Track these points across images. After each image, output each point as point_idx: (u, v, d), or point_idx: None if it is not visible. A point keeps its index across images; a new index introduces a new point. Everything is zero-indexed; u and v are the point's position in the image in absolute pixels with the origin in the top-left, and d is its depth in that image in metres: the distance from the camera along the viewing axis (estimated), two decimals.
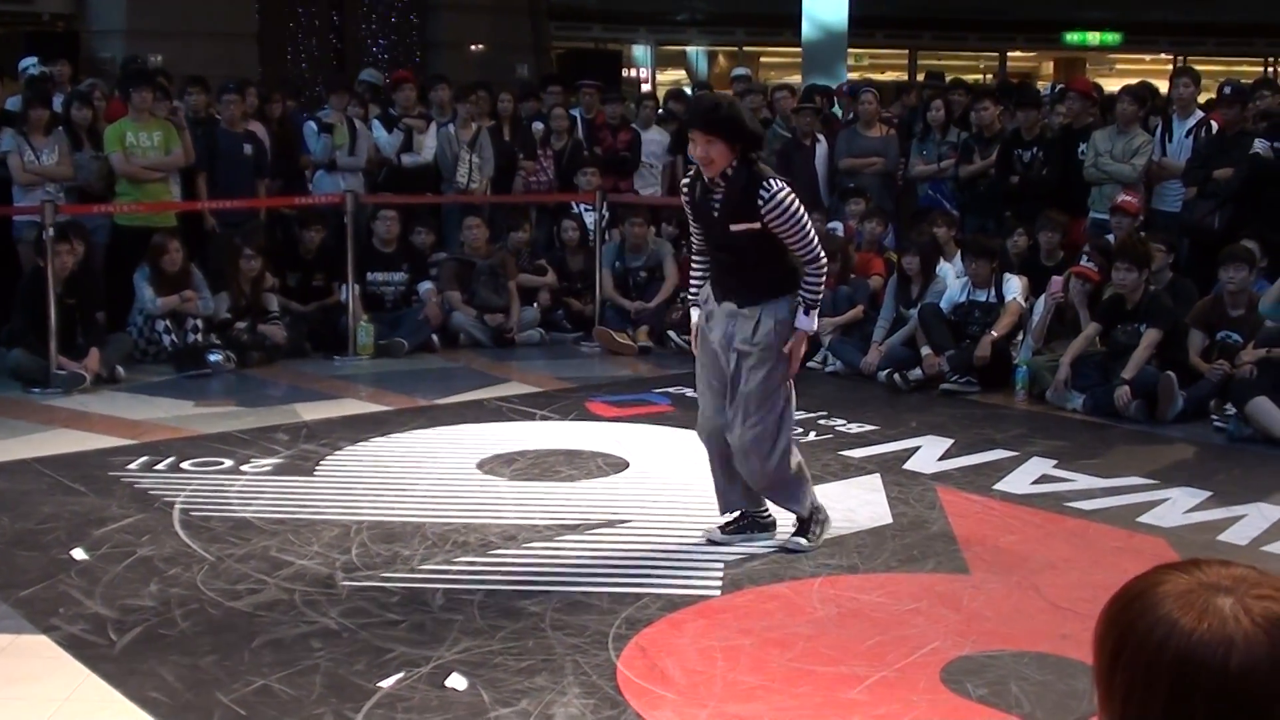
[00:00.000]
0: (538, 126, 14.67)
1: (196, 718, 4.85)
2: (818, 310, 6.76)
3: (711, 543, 6.94)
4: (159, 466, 8.18)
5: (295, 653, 5.41)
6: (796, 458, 6.89)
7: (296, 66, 21.99)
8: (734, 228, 6.54)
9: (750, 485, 6.90)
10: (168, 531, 6.94)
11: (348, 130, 13.42)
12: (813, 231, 6.63)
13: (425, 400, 10.22)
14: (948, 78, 18.71)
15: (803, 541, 6.85)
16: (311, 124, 13.65)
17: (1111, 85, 15.43)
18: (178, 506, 7.36)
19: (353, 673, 5.22)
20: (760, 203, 6.45)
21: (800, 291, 6.62)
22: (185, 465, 8.22)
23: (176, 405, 9.96)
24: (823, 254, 6.63)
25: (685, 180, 7.01)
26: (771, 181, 6.50)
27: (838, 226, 12.34)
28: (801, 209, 6.56)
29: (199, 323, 11.38)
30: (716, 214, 6.62)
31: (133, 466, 8.17)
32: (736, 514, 7.04)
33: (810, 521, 6.91)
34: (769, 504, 7.03)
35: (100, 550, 6.66)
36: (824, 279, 6.69)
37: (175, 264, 11.38)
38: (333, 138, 13.31)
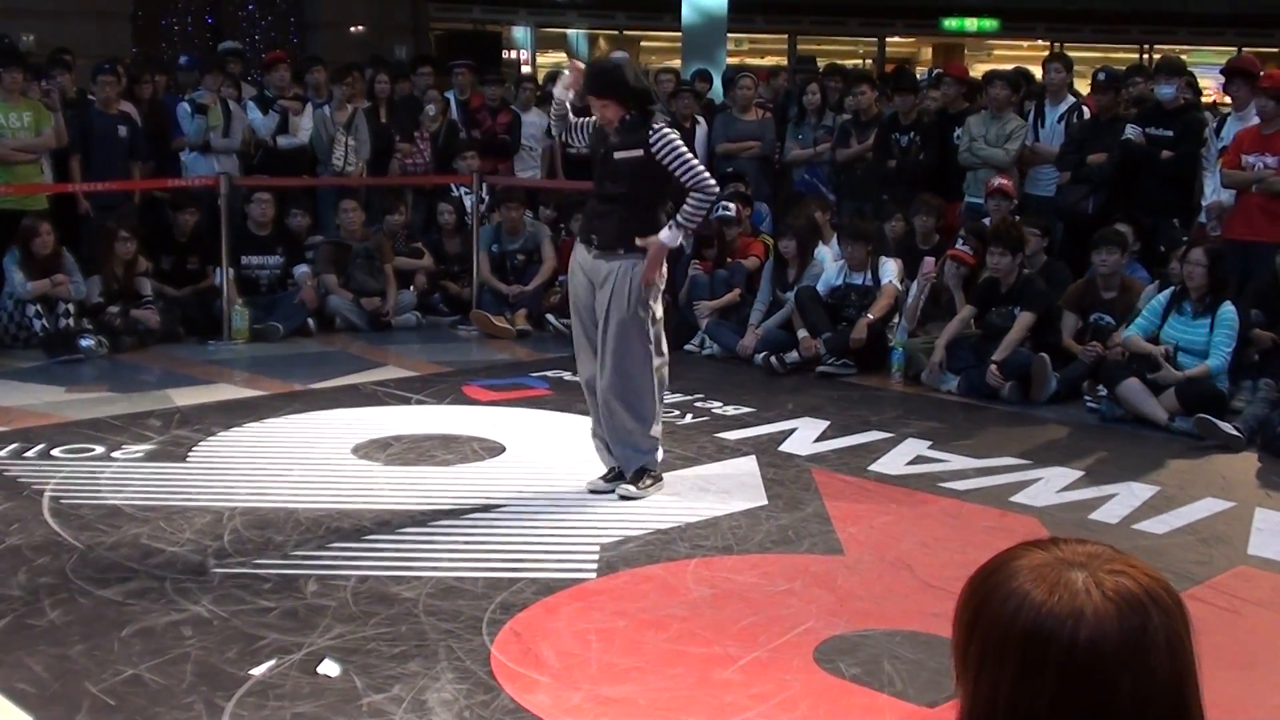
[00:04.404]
0: (430, 110, 14.53)
1: (65, 708, 4.77)
2: (684, 235, 7.44)
3: (593, 491, 7.49)
4: (29, 454, 8.04)
5: (166, 641, 5.34)
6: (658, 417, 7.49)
7: (171, 46, 21.70)
8: (618, 155, 7.27)
9: (610, 437, 7.46)
10: (37, 520, 6.82)
11: (222, 111, 13.27)
12: (698, 163, 7.28)
13: (300, 385, 10.13)
14: (823, 63, 18.78)
15: (632, 489, 7.33)
16: (185, 105, 13.45)
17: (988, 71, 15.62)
18: (47, 494, 7.24)
19: (224, 660, 5.16)
20: (650, 134, 7.20)
21: (678, 214, 7.25)
22: (55, 452, 8.08)
23: (47, 391, 9.81)
24: (710, 181, 7.29)
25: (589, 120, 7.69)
26: (659, 124, 7.31)
27: (731, 209, 12.28)
28: (684, 146, 7.29)
29: (70, 307, 11.19)
30: (606, 144, 7.35)
31: (2, 454, 8.01)
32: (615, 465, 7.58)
33: (645, 473, 7.42)
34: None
35: None
36: (707, 207, 7.38)
37: (46, 247, 11.18)
38: (207, 119, 13.15)
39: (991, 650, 1.68)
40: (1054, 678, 1.62)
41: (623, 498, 7.33)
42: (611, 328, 7.28)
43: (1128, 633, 1.62)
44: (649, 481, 7.45)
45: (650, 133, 7.20)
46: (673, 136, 7.24)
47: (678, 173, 7.19)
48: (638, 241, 7.22)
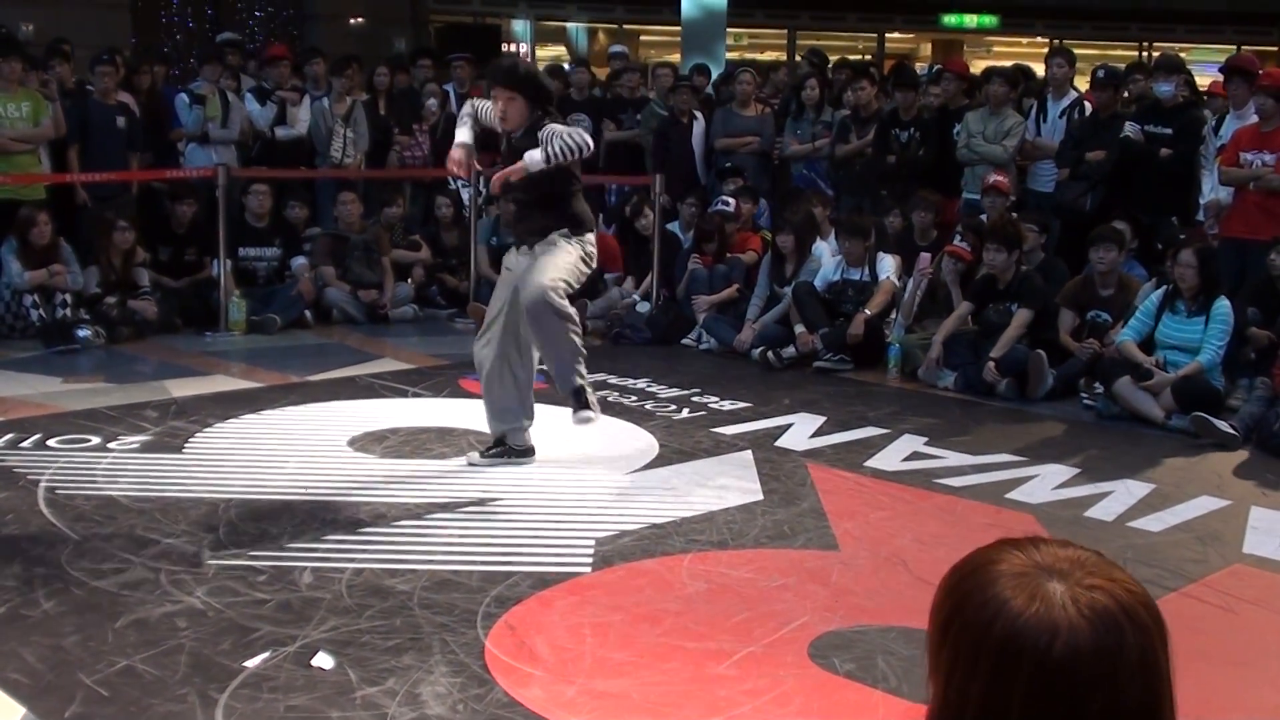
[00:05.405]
0: (432, 104, 14.52)
1: (58, 699, 4.76)
2: (548, 162, 7.16)
3: (471, 465, 7.85)
4: (24, 444, 8.02)
5: (160, 632, 5.33)
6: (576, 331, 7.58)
7: (170, 37, 21.68)
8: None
9: (537, 347, 7.67)
10: (32, 510, 6.81)
11: (220, 102, 13.27)
12: (564, 131, 7.21)
13: (297, 377, 10.13)
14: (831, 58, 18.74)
15: (589, 414, 7.58)
16: (183, 96, 13.46)
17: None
18: (43, 485, 7.22)
19: (218, 652, 5.15)
20: (540, 132, 7.19)
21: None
22: (51, 443, 8.07)
23: (44, 381, 9.80)
24: (581, 136, 7.20)
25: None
26: (547, 120, 7.28)
27: (729, 204, 12.32)
28: (563, 128, 7.23)
29: (68, 298, 11.20)
30: (509, 149, 7.45)
31: None
32: (497, 439, 7.85)
33: (583, 393, 7.60)
34: (526, 432, 7.93)
35: None
36: (576, 150, 7.17)
37: (44, 237, 11.19)
38: (205, 110, 13.15)
39: (965, 655, 1.68)
40: (1024, 689, 1.63)
41: (581, 423, 7.63)
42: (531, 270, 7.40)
43: (1101, 651, 1.62)
44: (593, 399, 7.68)
45: (540, 131, 7.22)
46: (553, 124, 7.22)
47: (550, 142, 7.14)
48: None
